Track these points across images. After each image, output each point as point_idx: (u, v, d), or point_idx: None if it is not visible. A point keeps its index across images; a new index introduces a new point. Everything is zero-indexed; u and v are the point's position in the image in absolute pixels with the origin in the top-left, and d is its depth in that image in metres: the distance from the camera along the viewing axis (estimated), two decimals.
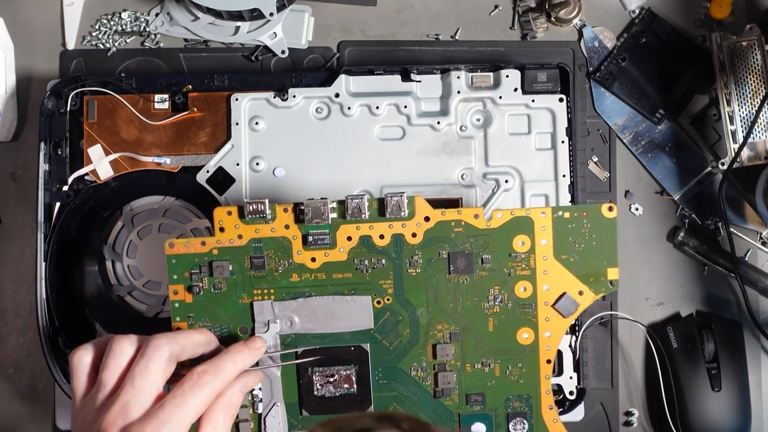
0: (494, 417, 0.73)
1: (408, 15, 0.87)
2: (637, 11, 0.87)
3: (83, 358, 0.64)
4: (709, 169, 0.86)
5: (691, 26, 0.87)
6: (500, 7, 0.87)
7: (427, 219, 0.71)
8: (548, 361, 0.73)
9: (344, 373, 0.73)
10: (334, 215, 0.71)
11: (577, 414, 0.81)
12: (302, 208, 0.70)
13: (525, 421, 0.73)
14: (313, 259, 0.71)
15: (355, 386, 0.73)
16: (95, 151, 0.81)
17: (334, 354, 0.72)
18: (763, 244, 0.86)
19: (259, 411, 0.73)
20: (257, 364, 0.71)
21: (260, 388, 0.73)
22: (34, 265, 0.79)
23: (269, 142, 0.81)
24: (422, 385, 0.73)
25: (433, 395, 0.73)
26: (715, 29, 0.85)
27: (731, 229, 0.84)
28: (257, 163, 0.81)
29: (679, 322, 0.84)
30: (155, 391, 0.62)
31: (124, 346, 0.63)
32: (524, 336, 0.72)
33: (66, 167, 0.81)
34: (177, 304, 0.71)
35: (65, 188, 0.81)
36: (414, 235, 0.71)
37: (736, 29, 0.85)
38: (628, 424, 0.85)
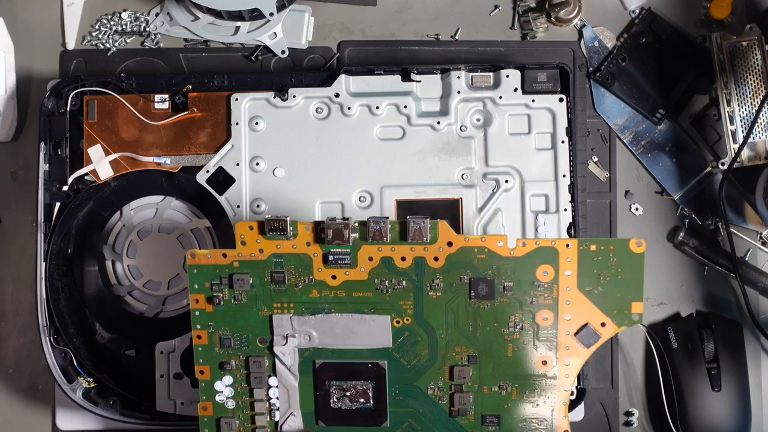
0: None
1: (408, 15, 0.87)
2: (637, 11, 0.87)
3: None
4: (709, 169, 0.86)
5: (691, 26, 0.87)
6: (500, 7, 0.87)
7: (450, 244, 0.70)
8: (566, 389, 0.72)
9: (361, 387, 0.73)
10: (356, 235, 0.70)
11: (577, 414, 0.81)
12: (323, 227, 0.70)
13: None
14: (334, 277, 0.71)
15: (371, 401, 0.73)
16: (95, 151, 0.81)
17: (351, 369, 0.73)
18: (763, 244, 0.86)
19: (276, 419, 0.74)
20: (275, 373, 0.72)
21: (278, 397, 0.73)
22: (34, 265, 0.79)
23: (269, 142, 0.81)
24: (438, 404, 0.73)
25: (448, 414, 0.73)
26: (715, 29, 0.85)
27: (731, 229, 0.84)
28: (257, 163, 0.81)
29: (679, 322, 0.84)
30: None
31: None
32: (543, 363, 0.72)
33: (66, 167, 0.81)
34: (197, 313, 0.72)
35: (65, 188, 0.81)
36: (436, 258, 0.71)
37: (736, 29, 0.85)
38: (628, 424, 0.85)
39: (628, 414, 0.85)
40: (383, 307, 0.72)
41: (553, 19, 0.86)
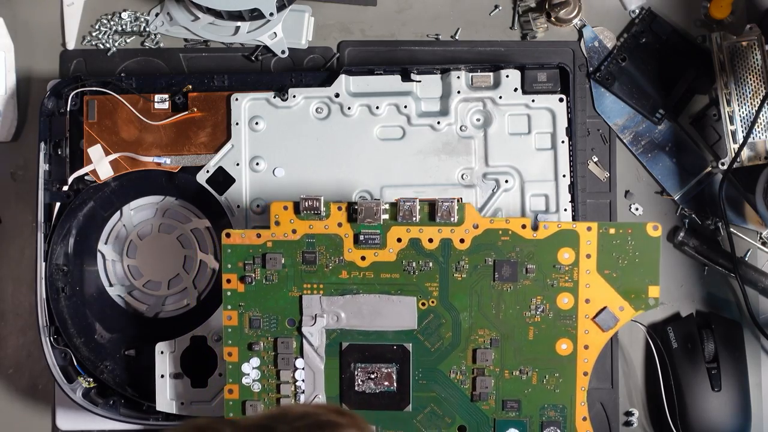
0: (528, 424, 0.75)
1: (408, 15, 0.87)
2: (637, 11, 0.87)
3: None
4: (709, 169, 0.86)
5: (691, 26, 0.87)
6: (500, 7, 0.87)
7: (475, 226, 0.73)
8: (585, 374, 0.74)
9: (385, 371, 0.74)
10: (386, 216, 0.73)
11: None
12: (356, 207, 0.72)
13: (558, 431, 0.74)
14: (363, 258, 0.73)
15: (395, 384, 0.74)
16: (95, 151, 0.81)
17: (377, 351, 0.74)
18: (763, 244, 0.86)
19: (301, 402, 0.75)
20: (302, 355, 0.74)
21: (303, 380, 0.74)
22: (34, 265, 0.79)
23: (269, 142, 0.81)
24: (460, 388, 0.74)
25: (470, 399, 0.75)
26: (715, 29, 0.85)
27: (731, 229, 0.84)
28: (257, 163, 0.81)
29: (679, 322, 0.84)
30: None
31: None
32: (563, 347, 0.74)
33: (66, 167, 0.81)
34: (229, 293, 0.74)
35: (65, 188, 0.81)
36: (462, 240, 0.73)
37: (736, 29, 0.85)
38: (628, 424, 0.85)
39: (628, 414, 0.85)
40: (410, 289, 0.74)
41: (553, 19, 0.86)
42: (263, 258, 0.73)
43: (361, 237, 0.73)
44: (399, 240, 0.73)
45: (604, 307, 0.73)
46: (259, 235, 0.73)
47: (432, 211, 0.73)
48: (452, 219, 0.72)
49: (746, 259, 0.86)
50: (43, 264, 0.80)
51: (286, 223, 0.73)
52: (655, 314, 0.86)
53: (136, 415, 0.81)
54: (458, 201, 0.73)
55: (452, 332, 0.74)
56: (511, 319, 0.74)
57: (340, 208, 0.73)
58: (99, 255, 0.84)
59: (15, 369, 0.86)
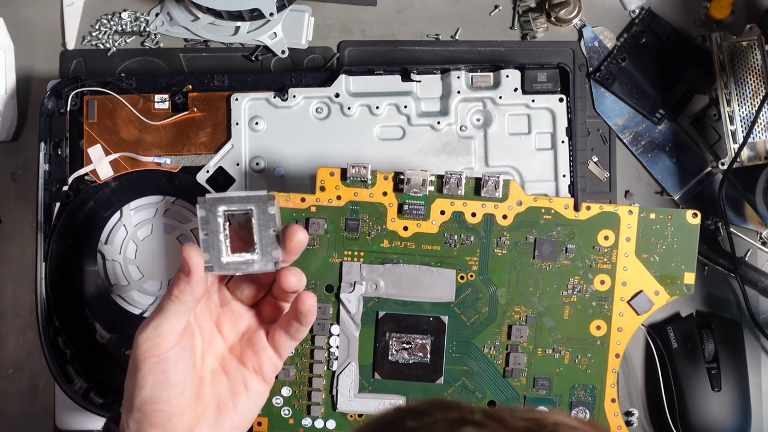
0: (558, 403, 0.75)
1: (408, 15, 0.87)
2: (637, 11, 0.87)
3: None
4: (709, 169, 0.86)
5: (691, 26, 0.87)
6: (500, 7, 0.87)
7: (519, 203, 0.74)
8: (617, 356, 0.75)
9: (420, 341, 0.75)
10: (431, 188, 0.73)
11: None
12: (402, 177, 0.73)
13: (587, 411, 0.75)
14: (406, 228, 0.74)
15: (428, 356, 0.75)
16: (95, 151, 0.81)
17: (412, 322, 0.75)
18: (763, 244, 0.86)
19: (333, 368, 0.75)
20: (338, 322, 0.74)
21: (337, 347, 0.75)
22: (34, 265, 0.79)
23: (269, 142, 0.81)
24: (493, 364, 0.75)
25: (502, 374, 0.75)
26: (715, 29, 0.85)
27: (731, 229, 0.84)
28: (257, 163, 0.81)
29: (679, 322, 0.84)
30: None
31: None
32: (597, 328, 0.75)
33: (66, 167, 0.81)
34: None
35: (65, 188, 0.81)
36: (504, 216, 0.74)
37: (736, 29, 0.85)
38: (628, 424, 0.85)
39: (628, 414, 0.85)
40: (450, 262, 0.74)
41: (553, 19, 0.86)
42: (306, 222, 0.74)
43: (406, 207, 0.74)
44: (442, 212, 0.74)
45: (640, 291, 0.74)
46: (303, 200, 0.74)
47: (477, 185, 0.73)
48: (497, 194, 0.73)
49: (746, 259, 0.86)
50: (43, 264, 0.80)
51: (331, 189, 0.74)
52: (655, 314, 0.85)
53: None
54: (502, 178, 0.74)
55: (489, 307, 0.75)
56: (548, 298, 0.75)
57: (386, 178, 0.74)
58: (99, 255, 0.84)
59: (15, 369, 0.86)
